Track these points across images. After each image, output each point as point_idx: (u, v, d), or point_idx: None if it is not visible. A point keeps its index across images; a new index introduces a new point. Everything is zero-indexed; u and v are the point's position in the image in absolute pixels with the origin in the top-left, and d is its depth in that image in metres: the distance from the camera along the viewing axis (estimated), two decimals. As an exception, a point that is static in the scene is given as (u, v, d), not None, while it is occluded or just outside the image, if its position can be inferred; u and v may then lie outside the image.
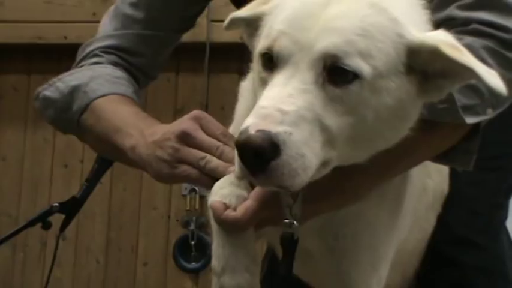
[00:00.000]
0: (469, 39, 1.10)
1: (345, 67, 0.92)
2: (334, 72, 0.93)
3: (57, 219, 2.04)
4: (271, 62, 0.97)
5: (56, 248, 2.15)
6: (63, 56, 3.73)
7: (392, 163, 1.10)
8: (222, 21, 1.16)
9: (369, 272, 1.18)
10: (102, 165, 2.00)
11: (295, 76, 0.93)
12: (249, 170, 0.93)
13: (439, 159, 1.18)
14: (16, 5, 3.68)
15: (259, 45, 1.03)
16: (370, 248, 1.17)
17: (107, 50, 1.50)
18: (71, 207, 2.01)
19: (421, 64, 0.98)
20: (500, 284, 1.49)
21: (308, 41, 0.94)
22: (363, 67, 0.92)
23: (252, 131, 0.88)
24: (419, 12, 1.05)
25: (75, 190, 2.06)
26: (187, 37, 1.64)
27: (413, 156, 1.13)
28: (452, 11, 1.15)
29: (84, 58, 1.52)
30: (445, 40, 0.97)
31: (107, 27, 1.53)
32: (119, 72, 1.47)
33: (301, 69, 0.93)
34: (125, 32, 1.51)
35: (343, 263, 1.18)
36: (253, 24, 1.09)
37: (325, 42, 0.93)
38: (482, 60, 1.05)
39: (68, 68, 1.52)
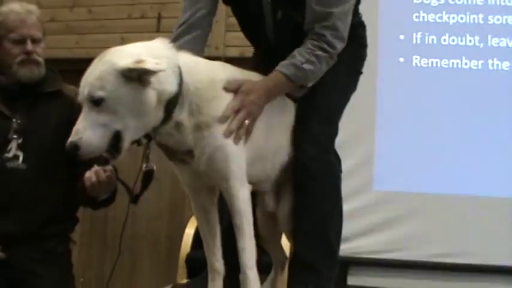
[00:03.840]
0: (311, 42, 2.18)
1: (94, 98, 1.81)
2: (94, 102, 1.82)
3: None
4: None
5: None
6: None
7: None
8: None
9: (224, 171, 2.02)
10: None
11: (84, 111, 1.84)
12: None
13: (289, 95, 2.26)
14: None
15: None
16: (223, 161, 2.02)
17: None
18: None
19: (137, 75, 1.83)
20: (333, 179, 2.33)
21: (81, 91, 1.85)
22: (102, 94, 1.81)
23: (68, 143, 1.81)
24: (153, 49, 1.92)
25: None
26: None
27: (274, 89, 2.16)
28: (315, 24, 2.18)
29: None
30: (137, 60, 1.82)
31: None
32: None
33: (84, 107, 1.84)
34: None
35: (213, 176, 2.06)
36: None
37: (84, 90, 1.83)
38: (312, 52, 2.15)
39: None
